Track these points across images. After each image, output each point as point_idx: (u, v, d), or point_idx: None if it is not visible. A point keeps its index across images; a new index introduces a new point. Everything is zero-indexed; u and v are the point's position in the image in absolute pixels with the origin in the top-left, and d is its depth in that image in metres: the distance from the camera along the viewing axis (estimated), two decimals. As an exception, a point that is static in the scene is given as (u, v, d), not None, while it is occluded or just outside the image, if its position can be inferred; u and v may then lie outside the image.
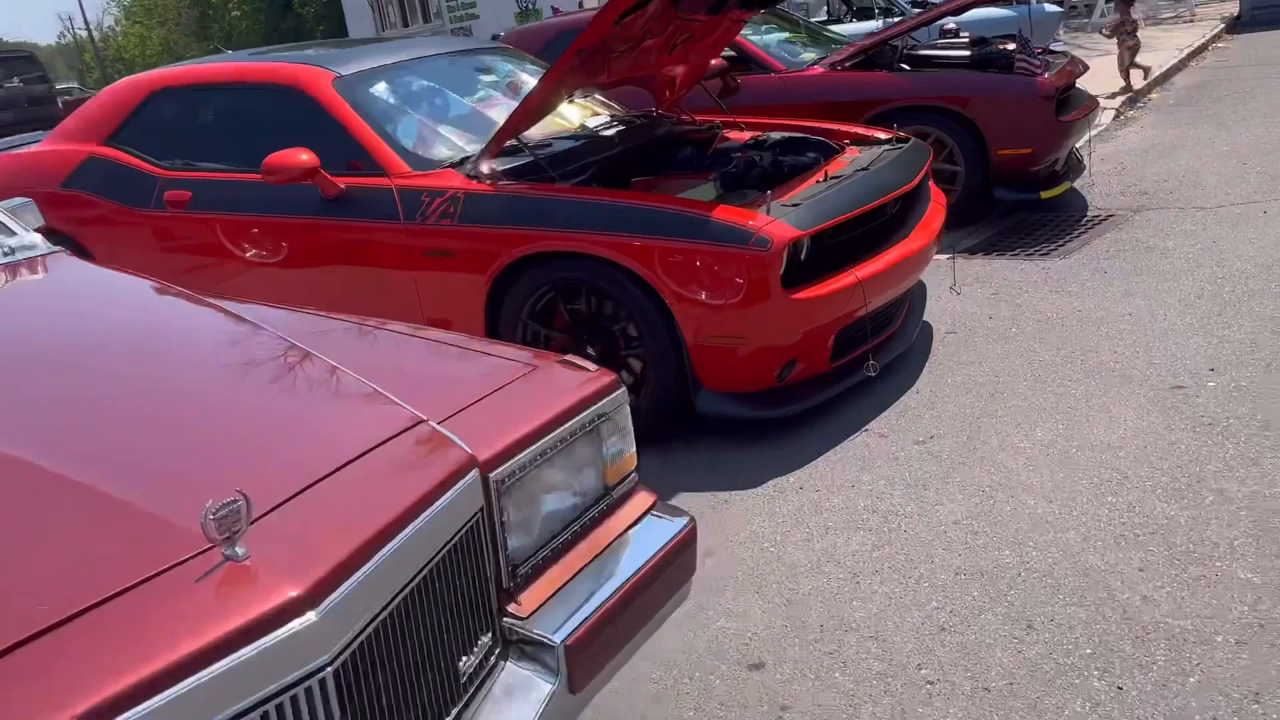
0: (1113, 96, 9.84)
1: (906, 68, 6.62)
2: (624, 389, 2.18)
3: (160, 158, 4.80)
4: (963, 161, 6.27)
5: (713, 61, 5.38)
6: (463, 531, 1.74)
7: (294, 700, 1.37)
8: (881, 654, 2.59)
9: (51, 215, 4.99)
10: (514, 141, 4.16)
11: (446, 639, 1.71)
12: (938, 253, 4.67)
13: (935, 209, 4.54)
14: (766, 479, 3.58)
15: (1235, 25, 14.72)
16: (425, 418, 1.87)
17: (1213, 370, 3.90)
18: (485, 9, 23.67)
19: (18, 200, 3.23)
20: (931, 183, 4.74)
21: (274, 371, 2.08)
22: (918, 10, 10.83)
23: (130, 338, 2.24)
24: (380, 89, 4.53)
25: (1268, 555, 2.73)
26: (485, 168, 4.05)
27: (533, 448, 1.91)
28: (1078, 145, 6.93)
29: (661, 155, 4.68)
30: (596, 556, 2.06)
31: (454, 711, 1.71)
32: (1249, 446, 3.32)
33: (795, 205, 3.82)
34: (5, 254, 2.69)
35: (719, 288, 3.60)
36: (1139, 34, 10.41)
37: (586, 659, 1.87)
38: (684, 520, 2.23)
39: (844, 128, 5.07)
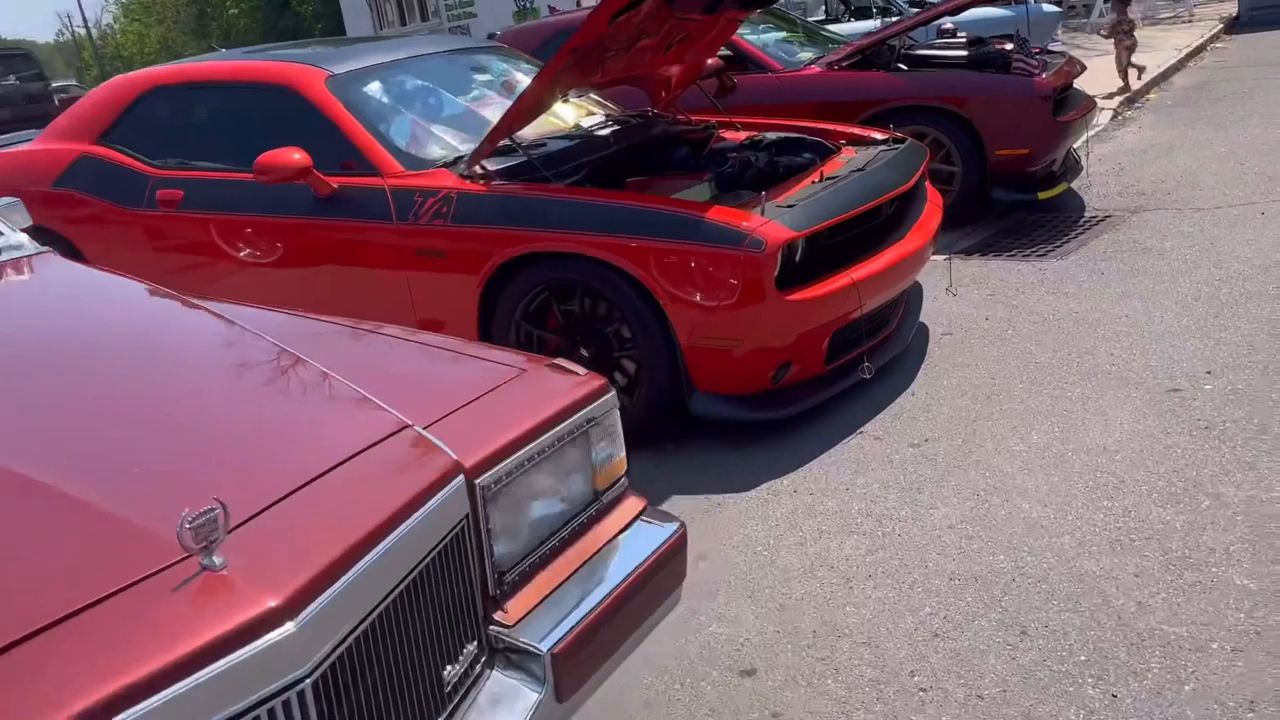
0: (1110, 97, 9.82)
1: (904, 68, 6.60)
2: (614, 393, 2.16)
3: (153, 157, 4.77)
4: (960, 162, 6.24)
5: (709, 61, 5.36)
6: (447, 539, 1.72)
7: (271, 713, 1.34)
8: (874, 660, 2.56)
9: (44, 214, 4.98)
10: (508, 141, 4.13)
11: (430, 648, 1.68)
12: (934, 253, 4.66)
13: (931, 210, 4.52)
14: (760, 482, 3.55)
15: (1234, 25, 14.71)
16: (410, 422, 1.84)
17: (1209, 373, 3.87)
18: (483, 7, 23.63)
19: (5, 200, 3.20)
20: (928, 183, 4.72)
21: (258, 375, 2.05)
22: (916, 10, 10.80)
23: (113, 340, 2.21)
24: (374, 88, 4.50)
25: (1264, 561, 2.71)
26: (478, 167, 4.02)
27: (520, 453, 1.89)
28: (1075, 146, 6.91)
29: (657, 155, 4.66)
30: (585, 563, 2.03)
31: (438, 721, 1.68)
32: (1245, 450, 3.30)
33: (790, 206, 3.80)
34: (-9, 254, 2.67)
35: (713, 289, 3.57)
36: (1136, 33, 10.39)
37: (574, 667, 1.85)
38: (674, 526, 2.20)
39: (840, 128, 5.04)
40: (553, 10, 17.90)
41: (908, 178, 4.33)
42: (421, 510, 1.65)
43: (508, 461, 1.86)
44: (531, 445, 1.92)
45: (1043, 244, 5.89)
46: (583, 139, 4.53)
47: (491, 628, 1.84)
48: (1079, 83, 6.94)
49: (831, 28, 10.49)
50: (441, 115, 4.61)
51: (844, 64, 6.61)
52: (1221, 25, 14.57)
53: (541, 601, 1.91)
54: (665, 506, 3.48)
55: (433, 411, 1.91)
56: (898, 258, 4.06)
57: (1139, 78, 10.33)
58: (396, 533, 1.58)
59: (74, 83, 40.00)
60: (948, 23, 8.12)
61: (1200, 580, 2.67)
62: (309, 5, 34.60)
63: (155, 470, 1.62)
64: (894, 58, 6.72)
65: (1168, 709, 2.27)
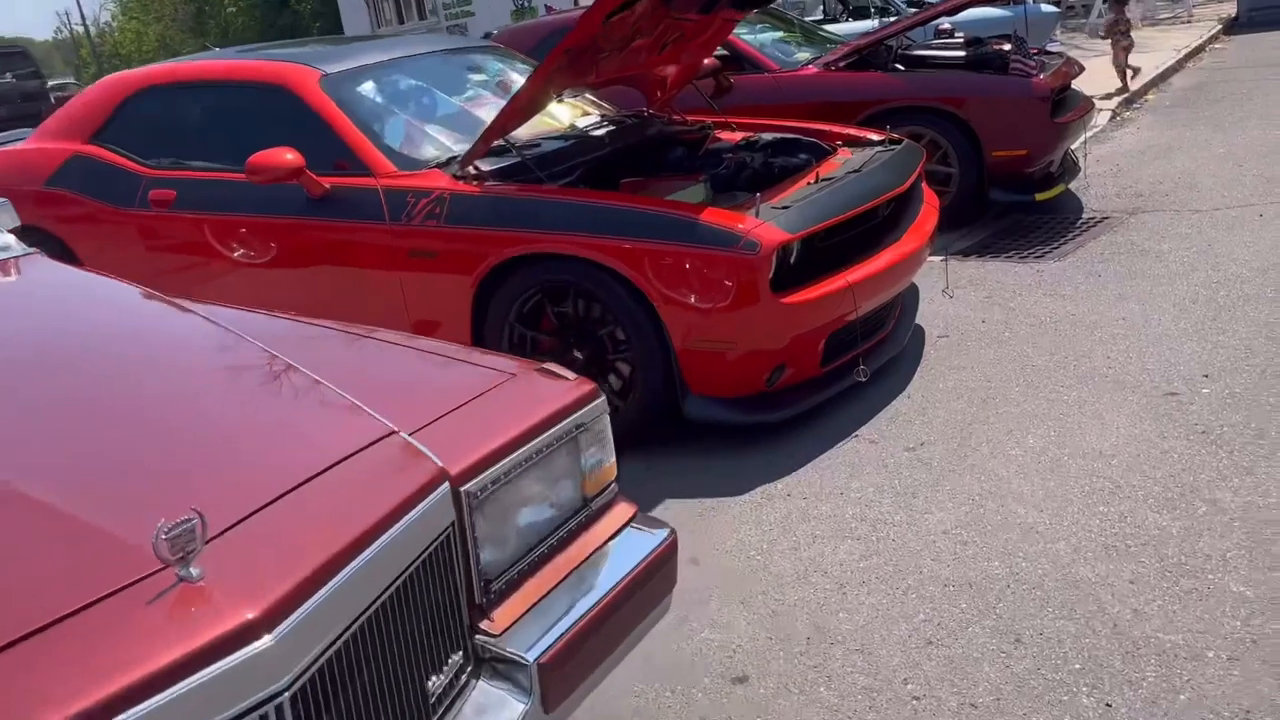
0: (1109, 97, 9.80)
1: (901, 68, 6.57)
2: (603, 398, 2.13)
3: (145, 156, 4.75)
4: (957, 163, 6.22)
5: (706, 61, 5.33)
6: (432, 547, 1.69)
7: (248, 727, 1.32)
8: (867, 668, 2.54)
9: (37, 214, 4.96)
10: (501, 142, 4.11)
11: (414, 658, 1.66)
12: (931, 254, 4.63)
13: (928, 211, 4.50)
14: (754, 485, 3.53)
15: (1233, 26, 14.69)
16: (396, 429, 1.82)
17: (1207, 376, 3.85)
18: (481, 6, 23.60)
19: (-8, 200, 3.17)
20: (924, 185, 4.69)
21: (242, 379, 2.03)
22: (913, 10, 10.78)
23: (96, 344, 2.18)
24: (367, 88, 4.48)
25: (1260, 568, 2.69)
26: (472, 168, 4.00)
27: (507, 459, 1.86)
28: (1073, 147, 6.88)
29: (652, 156, 4.63)
30: (574, 570, 2.00)
31: (422, 733, 1.66)
32: (1242, 455, 3.27)
33: (785, 208, 3.77)
34: (-24, 256, 2.64)
35: (707, 291, 3.55)
36: (1133, 34, 10.36)
37: (561, 677, 1.82)
38: (664, 532, 2.18)
39: (836, 129, 5.01)
40: (549, 9, 17.88)
41: (904, 179, 4.31)
42: (405, 519, 1.62)
43: (495, 468, 1.83)
44: (519, 452, 1.89)
45: (1040, 245, 5.87)
46: (577, 139, 4.50)
47: (477, 637, 1.81)
48: (1077, 83, 6.92)
49: (829, 28, 10.47)
50: (435, 115, 4.58)
51: (841, 64, 6.58)
52: (1220, 26, 14.55)
53: (529, 610, 1.89)
54: (658, 510, 3.46)
55: (419, 417, 1.88)
56: (894, 260, 4.04)
57: (1132, 78, 10.30)
58: (379, 542, 1.56)
59: (72, 80, 39.98)
60: (945, 23, 8.10)
61: (1196, 587, 2.65)
62: (307, 3, 34.57)
63: (133, 477, 1.60)
64: (891, 58, 6.69)
65: (1162, 719, 2.24)
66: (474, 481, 1.78)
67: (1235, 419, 3.51)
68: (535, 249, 3.75)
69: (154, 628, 1.30)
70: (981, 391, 4.01)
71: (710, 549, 3.18)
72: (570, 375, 2.15)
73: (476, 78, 4.99)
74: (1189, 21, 15.71)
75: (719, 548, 3.19)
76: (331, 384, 1.96)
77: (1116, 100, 9.78)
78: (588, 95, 5.09)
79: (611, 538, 2.12)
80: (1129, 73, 10.31)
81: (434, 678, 1.70)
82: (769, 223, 3.61)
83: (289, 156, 3.94)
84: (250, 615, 1.33)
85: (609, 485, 2.18)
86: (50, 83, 30.06)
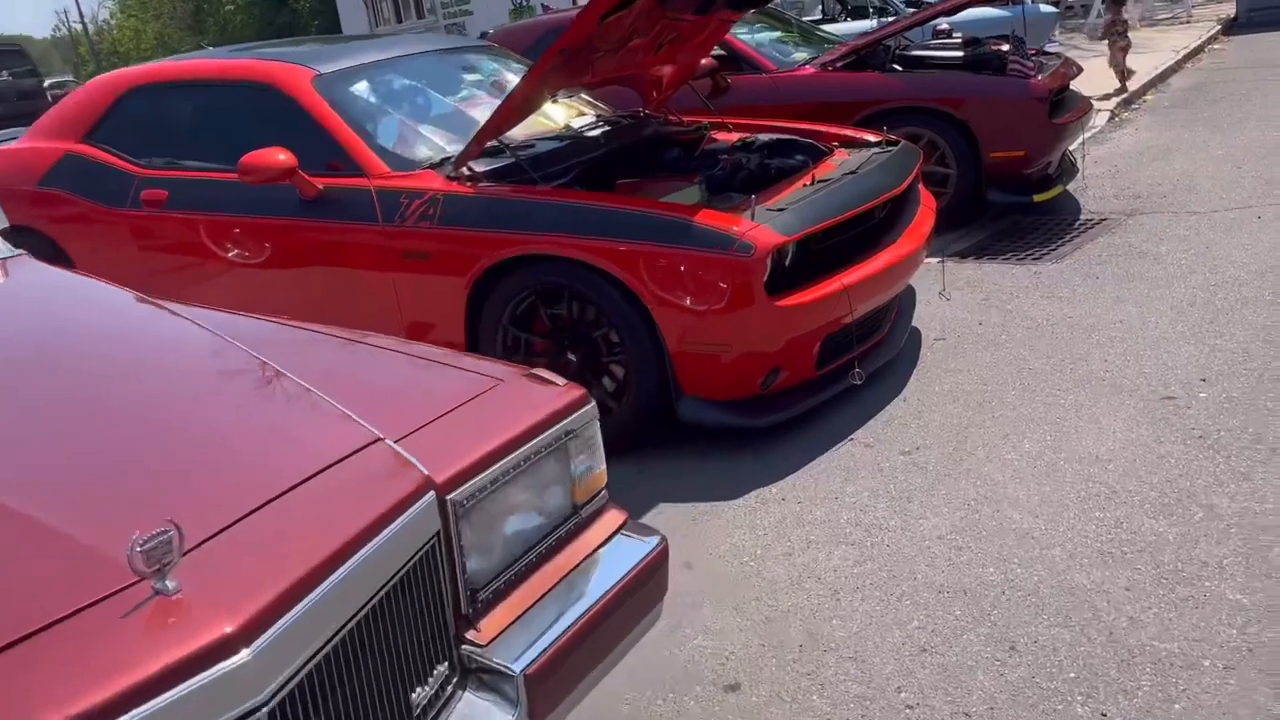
0: (1106, 98, 9.77)
1: (899, 68, 6.55)
2: (593, 404, 2.11)
3: (137, 156, 4.72)
4: (955, 164, 6.20)
5: (703, 61, 5.31)
6: (417, 557, 1.67)
7: (225, 744, 1.29)
8: (860, 675, 2.51)
9: (30, 214, 4.94)
10: (495, 142, 4.08)
11: (398, 670, 1.63)
12: (928, 256, 4.61)
13: (924, 213, 4.47)
14: (749, 489, 3.50)
15: (1232, 27, 14.66)
16: (382, 435, 1.79)
17: (1204, 380, 3.83)
18: (479, 5, 23.58)
19: (-20, 202, 3.14)
20: (921, 186, 4.67)
21: (227, 385, 2.00)
22: (912, 10, 10.75)
23: (79, 347, 2.15)
24: (361, 88, 4.45)
25: (1257, 575, 2.67)
26: (465, 169, 3.97)
27: (495, 467, 1.84)
28: (1071, 148, 6.86)
29: (647, 156, 4.61)
30: (563, 579, 1.98)
31: (405, 746, 1.63)
32: (1240, 460, 3.25)
33: (780, 210, 3.75)
34: (-39, 258, 2.61)
35: (701, 294, 3.52)
36: (1130, 34, 10.34)
37: (548, 688, 1.80)
38: (655, 540, 2.15)
39: (833, 130, 4.99)
40: (546, 8, 17.85)
41: (900, 181, 4.28)
42: (389, 529, 1.60)
43: (482, 476, 1.81)
44: (507, 459, 1.87)
45: (1038, 247, 5.85)
46: (572, 140, 4.48)
47: (464, 647, 1.79)
48: (1075, 84, 6.90)
49: (828, 27, 10.45)
50: (429, 115, 4.56)
51: (838, 64, 6.56)
52: (1219, 26, 14.53)
53: (516, 619, 1.86)
54: (651, 514, 3.44)
55: (406, 424, 1.86)
56: (890, 262, 4.02)
57: (1124, 79, 10.25)
58: (362, 552, 1.53)
59: (70, 78, 39.91)
60: (943, 23, 8.07)
61: (1193, 595, 2.63)
62: (305, 2, 34.53)
63: (111, 485, 1.57)
64: (889, 58, 6.67)
65: (1158, 728, 2.23)
66: (460, 489, 1.76)
67: (1232, 423, 3.49)
68: (528, 250, 3.72)
69: (128, 642, 1.28)
70: (978, 395, 3.99)
71: (704, 554, 3.16)
72: (560, 381, 2.12)
73: (471, 78, 4.97)
74: (1188, 22, 15.69)
75: (713, 552, 3.16)
76: (317, 389, 1.93)
77: (1115, 101, 9.76)
78: (583, 95, 5.07)
79: (601, 545, 2.09)
80: (1121, 75, 10.29)
81: (419, 689, 1.68)
82: (764, 225, 3.59)
83: (281, 157, 3.92)
84: (228, 629, 1.31)
85: (599, 492, 2.15)
86: (49, 81, 30.01)
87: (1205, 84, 10.56)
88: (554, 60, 3.76)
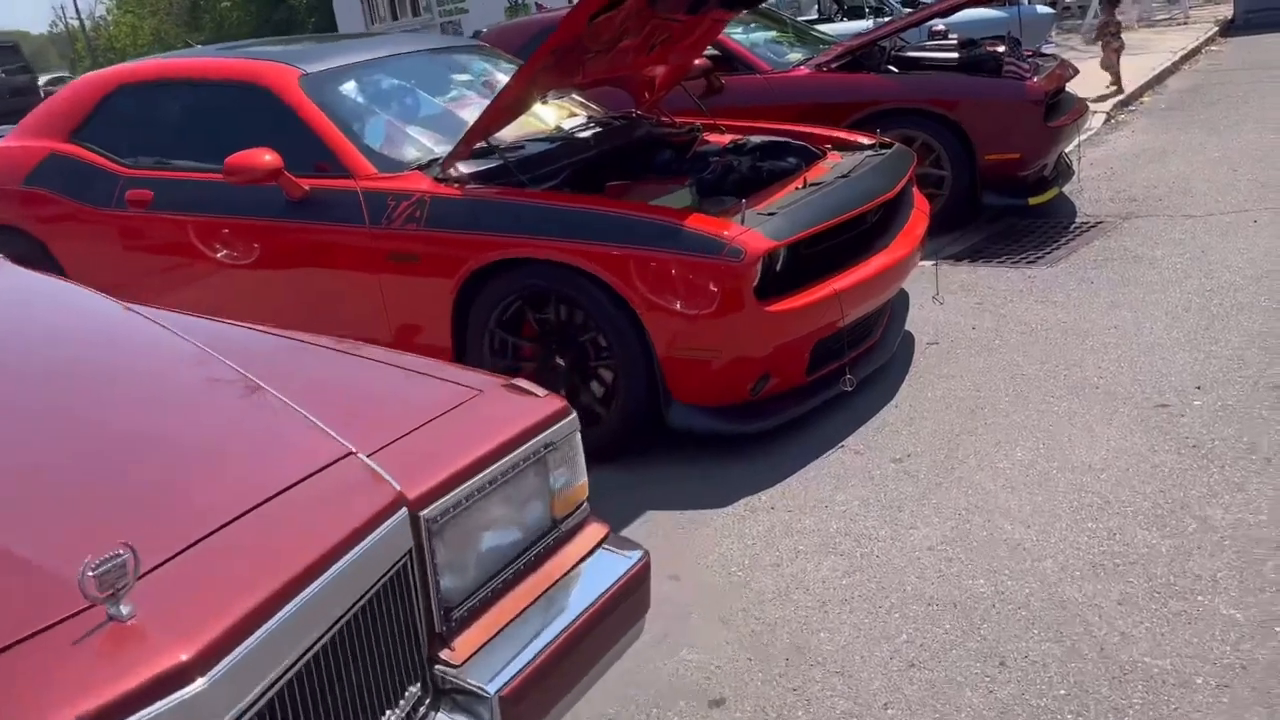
0: (1102, 99, 9.73)
1: (894, 69, 6.51)
2: (574, 415, 2.06)
3: (123, 156, 4.67)
4: (949, 166, 6.15)
5: (696, 61, 5.26)
6: (387, 576, 1.62)
7: (178, 776, 1.25)
8: (847, 691, 2.47)
9: (16, 213, 4.90)
10: (484, 143, 4.03)
11: (367, 693, 1.59)
12: (922, 259, 4.56)
13: (918, 216, 4.43)
14: (738, 497, 3.46)
15: (1229, 28, 14.62)
16: (354, 449, 1.75)
17: (1199, 388, 3.79)
18: (475, 3, 23.52)
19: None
20: (915, 189, 4.62)
21: (197, 396, 1.95)
22: (908, 10, 10.71)
23: (44, 354, 2.10)
24: (348, 88, 4.40)
25: (1251, 590, 2.62)
26: (453, 171, 3.92)
27: (470, 482, 1.79)
28: (1067, 150, 6.82)
29: (639, 158, 4.56)
30: (541, 596, 1.93)
31: (373, 772, 1.59)
32: (1234, 470, 3.21)
33: (771, 214, 3.70)
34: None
35: (690, 299, 3.48)
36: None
37: (523, 710, 1.75)
38: (638, 554, 2.11)
39: (826, 132, 4.94)
40: (540, 8, 17.79)
41: (893, 184, 4.24)
42: (358, 548, 1.55)
43: (456, 492, 1.76)
44: (483, 473, 1.82)
45: (1032, 250, 5.81)
46: (562, 141, 4.43)
47: (437, 668, 1.74)
48: (1071, 86, 6.86)
49: (824, 28, 10.40)
50: (418, 116, 4.50)
51: (833, 65, 6.51)
52: (1217, 28, 14.49)
53: (492, 638, 1.81)
54: (639, 522, 3.39)
55: (380, 437, 1.81)
56: (882, 267, 3.97)
57: (1120, 82, 10.19)
58: (328, 573, 1.48)
59: (66, 74, 39.79)
60: (939, 24, 8.03)
61: (1186, 609, 2.58)
62: (302, -1, 34.44)
63: (66, 502, 1.52)
64: (884, 59, 6.62)
65: (1150, 747, 2.18)
66: (434, 506, 1.71)
67: (1227, 432, 3.45)
68: (515, 254, 3.68)
69: (80, 670, 1.23)
70: (970, 401, 3.94)
71: (691, 564, 3.11)
72: (540, 392, 2.07)
73: (461, 78, 4.91)
74: (1185, 23, 15.64)
75: (700, 562, 3.12)
76: (289, 400, 1.89)
77: (1111, 103, 9.72)
78: (575, 96, 5.02)
79: (582, 560, 2.05)
80: (1118, 76, 10.24)
81: (389, 712, 1.63)
82: (754, 229, 3.54)
83: (267, 158, 3.87)
84: (183, 656, 1.26)
85: (580, 505, 2.11)
86: (46, 77, 29.90)
87: (1202, 86, 10.52)
88: (544, 60, 3.72)
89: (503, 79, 4.85)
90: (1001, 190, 6.19)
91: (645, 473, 3.69)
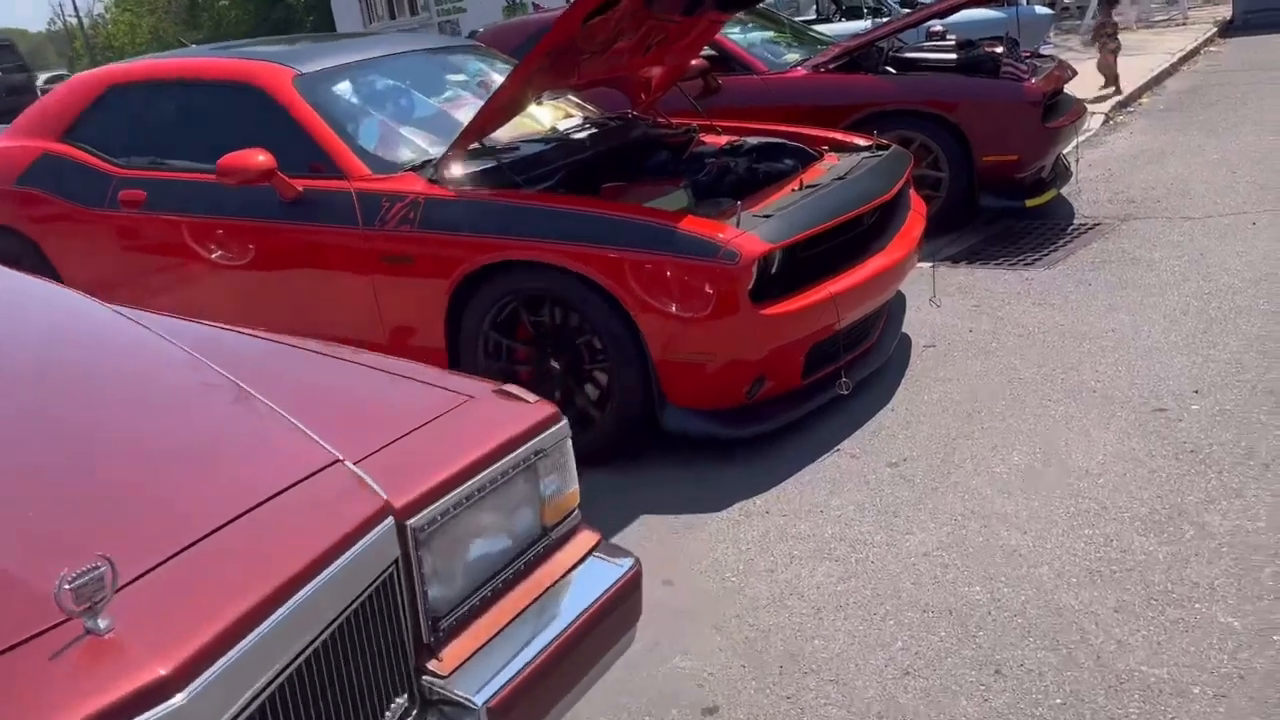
0: (1101, 100, 9.71)
1: (892, 70, 6.48)
2: (565, 422, 2.04)
3: (116, 155, 4.64)
4: (947, 167, 6.13)
5: (693, 61, 5.24)
6: (373, 586, 1.60)
7: (156, 794, 1.22)
8: (841, 699, 2.45)
9: (9, 213, 4.87)
10: (479, 145, 4.01)
11: (353, 704, 1.56)
12: (919, 260, 4.54)
13: (915, 218, 4.40)
14: (733, 501, 3.43)
15: (1228, 29, 14.61)
16: (341, 457, 1.72)
17: (1196, 392, 3.77)
18: (473, 2, 23.48)
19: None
20: (912, 191, 4.60)
21: (182, 401, 1.92)
22: (907, 11, 10.69)
23: (27, 357, 2.08)
24: (343, 88, 4.37)
25: (1249, 597, 2.60)
26: (447, 172, 3.90)
27: (458, 490, 1.77)
28: (1065, 151, 6.80)
29: (635, 159, 4.53)
30: (530, 604, 1.91)
31: (358, 785, 1.56)
32: (1232, 476, 3.19)
33: (767, 216, 3.68)
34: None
35: (685, 302, 3.45)
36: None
37: (512, 721, 1.73)
38: (629, 562, 2.08)
39: (823, 133, 4.92)
40: (537, 7, 17.77)
41: (890, 186, 4.21)
42: (342, 558, 1.53)
43: (444, 500, 1.74)
44: (471, 481, 1.80)
45: (1030, 252, 5.78)
46: (558, 142, 4.40)
47: (424, 678, 1.72)
48: (1070, 87, 6.84)
49: (822, 28, 10.37)
50: (412, 117, 4.48)
51: (830, 66, 6.49)
52: (1215, 29, 14.47)
53: (480, 648, 1.79)
54: (634, 526, 3.37)
55: (367, 444, 1.79)
56: (879, 269, 3.95)
57: (1104, 87, 10.15)
58: (312, 584, 1.46)
59: (65, 73, 39.74)
60: (937, 25, 8.01)
61: (1183, 617, 2.56)
62: (300, -3, 34.39)
63: (45, 511, 1.49)
64: (882, 60, 6.60)
65: (1146, 758, 2.16)
66: (421, 515, 1.69)
67: (1225, 437, 3.43)
68: (509, 256, 3.65)
69: (56, 685, 1.21)
70: (967, 405, 3.92)
71: (685, 569, 3.09)
72: (530, 398, 2.05)
73: (456, 78, 4.89)
74: (1184, 24, 15.62)
75: (694, 567, 3.09)
76: (277, 405, 1.86)
77: (1109, 104, 9.70)
78: (570, 97, 4.99)
79: (573, 568, 2.03)
80: (1107, 79, 10.21)
81: (375, 724, 1.61)
82: (750, 232, 3.52)
83: (260, 158, 3.85)
84: (162, 671, 1.24)
85: (571, 512, 2.08)
86: (45, 75, 29.83)
87: (1201, 87, 10.50)
88: (539, 61, 3.69)
89: (498, 79, 4.82)
90: (999, 192, 6.17)
91: (640, 476, 3.67)
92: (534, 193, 3.84)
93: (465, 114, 4.37)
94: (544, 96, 4.39)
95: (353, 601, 1.55)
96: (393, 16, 26.92)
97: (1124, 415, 3.67)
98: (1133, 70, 10.73)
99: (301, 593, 1.44)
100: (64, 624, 1.26)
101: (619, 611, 2.01)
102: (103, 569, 1.25)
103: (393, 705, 1.65)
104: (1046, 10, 12.99)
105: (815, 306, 3.62)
